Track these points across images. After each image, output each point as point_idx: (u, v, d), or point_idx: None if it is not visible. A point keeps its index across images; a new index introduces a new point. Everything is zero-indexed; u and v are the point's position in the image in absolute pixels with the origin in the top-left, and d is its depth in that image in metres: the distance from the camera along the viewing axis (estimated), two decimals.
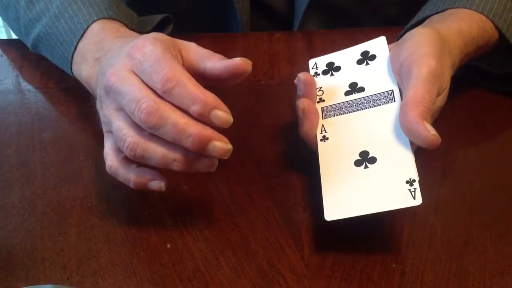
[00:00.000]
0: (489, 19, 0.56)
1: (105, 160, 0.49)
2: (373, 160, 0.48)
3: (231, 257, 0.47)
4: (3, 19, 0.67)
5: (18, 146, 0.57)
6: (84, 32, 0.56)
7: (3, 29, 1.79)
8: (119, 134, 0.46)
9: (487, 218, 0.50)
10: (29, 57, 0.66)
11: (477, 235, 0.49)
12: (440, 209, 0.51)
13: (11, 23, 0.65)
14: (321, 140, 0.51)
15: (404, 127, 0.47)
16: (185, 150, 0.45)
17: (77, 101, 0.61)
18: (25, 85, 0.64)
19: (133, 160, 0.47)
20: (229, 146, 0.44)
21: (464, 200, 0.52)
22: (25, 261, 0.47)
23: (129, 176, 0.47)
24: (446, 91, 0.51)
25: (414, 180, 0.45)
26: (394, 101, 0.50)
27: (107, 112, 0.48)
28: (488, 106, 0.61)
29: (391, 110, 0.50)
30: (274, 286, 0.45)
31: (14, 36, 0.70)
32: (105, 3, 0.58)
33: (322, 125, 0.52)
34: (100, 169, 0.54)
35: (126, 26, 0.58)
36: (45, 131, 0.58)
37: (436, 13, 0.58)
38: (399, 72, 0.51)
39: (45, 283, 0.45)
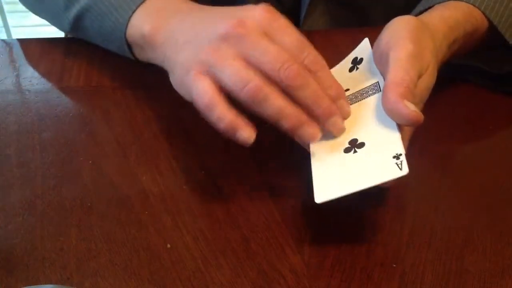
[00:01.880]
0: (481, 10, 0.57)
1: (198, 97, 0.48)
2: (361, 145, 0.48)
3: (231, 257, 0.47)
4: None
5: (18, 146, 0.57)
6: None
7: (3, 29, 1.79)
8: (241, 74, 0.47)
9: (487, 218, 0.50)
10: (30, 57, 0.66)
11: (477, 235, 0.49)
12: (440, 209, 0.51)
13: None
14: None
15: (386, 108, 0.48)
16: (299, 111, 0.47)
17: (78, 101, 0.61)
18: (25, 85, 0.64)
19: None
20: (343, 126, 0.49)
21: (464, 200, 0.52)
22: (25, 261, 0.47)
23: (227, 115, 0.47)
24: (429, 71, 0.50)
25: (400, 154, 0.45)
26: (380, 91, 0.51)
27: (216, 56, 0.48)
28: (488, 106, 0.61)
29: (377, 99, 0.50)
30: (274, 286, 0.45)
31: (14, 36, 0.70)
32: None
33: None
34: (100, 169, 0.54)
35: None
36: (45, 131, 0.58)
37: (425, 10, 0.58)
38: (380, 61, 0.51)
39: (45, 283, 0.45)
